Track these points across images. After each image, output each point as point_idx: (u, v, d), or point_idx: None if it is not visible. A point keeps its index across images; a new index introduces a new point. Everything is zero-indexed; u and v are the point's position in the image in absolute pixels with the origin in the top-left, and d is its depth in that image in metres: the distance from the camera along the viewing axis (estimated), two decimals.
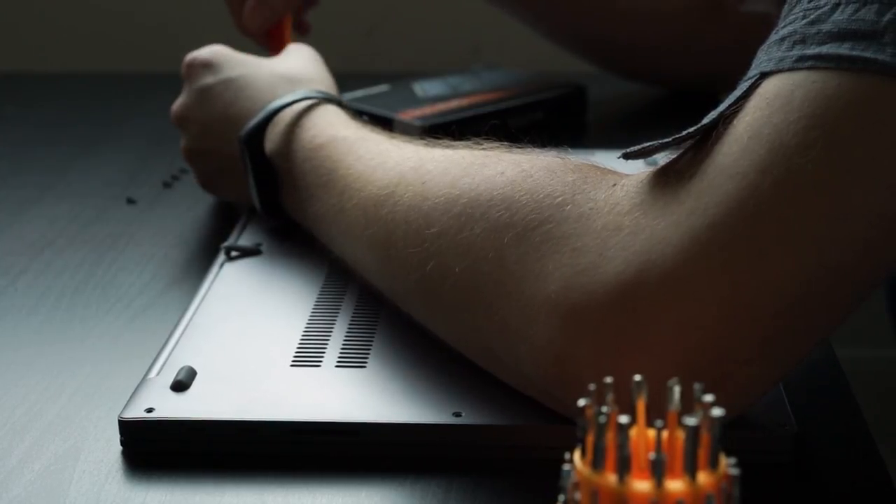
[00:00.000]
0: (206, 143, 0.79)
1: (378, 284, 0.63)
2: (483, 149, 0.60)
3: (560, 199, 0.52)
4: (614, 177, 0.53)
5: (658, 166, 0.52)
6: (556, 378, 0.50)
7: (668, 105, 1.07)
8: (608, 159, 0.57)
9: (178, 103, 0.81)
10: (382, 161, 0.63)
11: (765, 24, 0.52)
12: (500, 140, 0.61)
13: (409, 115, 0.90)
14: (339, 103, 0.74)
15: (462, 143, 0.62)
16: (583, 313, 0.49)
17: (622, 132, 1.01)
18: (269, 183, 0.73)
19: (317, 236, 0.70)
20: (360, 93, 0.96)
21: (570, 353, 0.49)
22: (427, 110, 0.91)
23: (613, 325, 0.48)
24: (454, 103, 0.93)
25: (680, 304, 0.47)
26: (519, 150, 0.58)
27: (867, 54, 0.46)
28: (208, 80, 0.79)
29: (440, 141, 0.63)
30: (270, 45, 0.90)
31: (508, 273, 0.52)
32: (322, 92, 0.74)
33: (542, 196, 0.53)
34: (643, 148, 0.52)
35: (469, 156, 0.59)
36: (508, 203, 0.54)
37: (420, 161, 0.60)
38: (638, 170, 0.54)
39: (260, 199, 0.74)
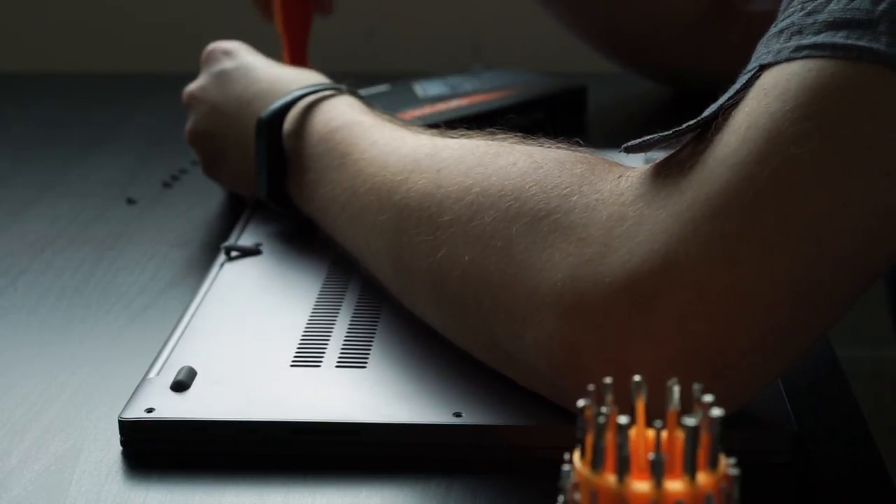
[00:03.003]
0: (213, 124, 0.79)
1: (384, 272, 0.63)
2: (497, 139, 0.60)
3: (567, 189, 0.53)
4: (621, 169, 0.54)
5: (661, 158, 0.52)
6: (561, 367, 0.50)
7: (667, 105, 1.07)
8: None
9: (192, 84, 0.81)
10: (397, 147, 0.63)
11: (770, 22, 0.52)
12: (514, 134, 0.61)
13: (409, 115, 0.90)
14: (361, 98, 0.75)
15: (477, 132, 0.62)
16: (588, 302, 0.49)
17: (622, 132, 1.01)
18: (277, 171, 0.73)
19: (322, 224, 0.69)
20: (359, 93, 0.96)
21: (576, 341, 0.49)
22: (427, 110, 0.91)
23: (618, 313, 0.49)
24: (454, 103, 0.93)
25: (682, 292, 0.48)
26: (532, 141, 0.59)
27: (862, 43, 0.46)
28: (227, 64, 0.80)
29: (455, 130, 0.63)
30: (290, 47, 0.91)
31: (516, 262, 0.52)
32: (346, 86, 0.75)
33: (550, 187, 0.53)
34: (644, 141, 0.53)
35: (483, 145, 0.59)
36: (518, 193, 0.54)
37: (435, 149, 0.61)
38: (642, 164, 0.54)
39: (268, 187, 0.73)
